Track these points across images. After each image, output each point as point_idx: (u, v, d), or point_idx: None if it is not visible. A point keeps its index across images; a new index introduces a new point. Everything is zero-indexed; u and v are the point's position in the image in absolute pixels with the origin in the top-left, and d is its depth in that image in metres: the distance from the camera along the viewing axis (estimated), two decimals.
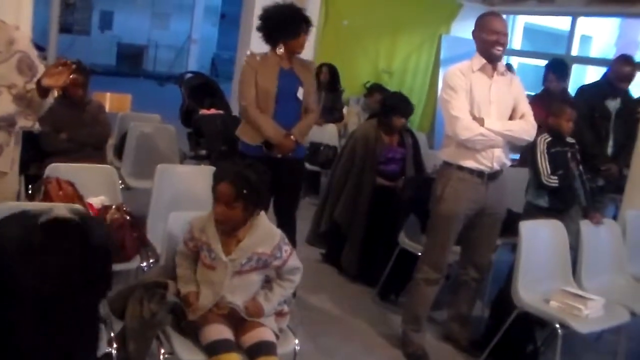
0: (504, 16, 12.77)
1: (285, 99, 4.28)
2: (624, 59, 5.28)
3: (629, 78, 5.17)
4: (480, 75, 3.77)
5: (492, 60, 3.78)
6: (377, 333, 4.32)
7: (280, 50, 4.28)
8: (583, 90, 5.61)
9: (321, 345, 4.04)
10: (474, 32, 3.84)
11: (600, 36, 16.29)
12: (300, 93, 4.34)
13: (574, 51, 11.85)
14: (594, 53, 15.49)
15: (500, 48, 3.75)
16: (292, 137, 4.26)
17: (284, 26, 4.27)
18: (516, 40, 13.50)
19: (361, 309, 4.66)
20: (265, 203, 2.91)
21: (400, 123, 5.11)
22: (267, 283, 2.95)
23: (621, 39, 15.83)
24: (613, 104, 5.16)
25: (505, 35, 3.77)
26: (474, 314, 4.38)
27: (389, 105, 5.23)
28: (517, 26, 13.53)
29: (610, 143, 5.17)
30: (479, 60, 3.78)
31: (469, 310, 4.26)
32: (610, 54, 15.06)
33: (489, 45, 3.73)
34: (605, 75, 5.37)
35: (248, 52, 4.46)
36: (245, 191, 2.75)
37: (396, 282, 4.69)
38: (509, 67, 10.95)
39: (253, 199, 2.79)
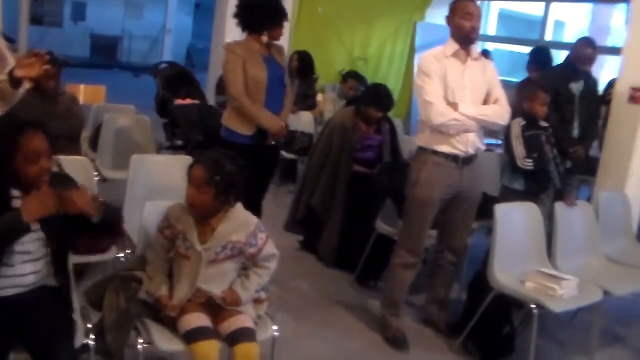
0: (478, 2, 12.92)
1: (273, 87, 4.31)
2: (585, 41, 5.31)
3: (591, 60, 5.21)
4: (453, 60, 3.78)
5: (466, 44, 3.80)
6: (356, 318, 4.35)
7: (265, 38, 4.30)
8: (546, 74, 5.64)
9: (300, 331, 4.06)
10: (447, 18, 3.86)
11: (573, 22, 16.42)
12: (285, 79, 4.39)
13: (548, 36, 11.95)
14: (567, 38, 15.61)
15: (476, 32, 3.78)
16: (283, 124, 4.34)
17: (270, 15, 4.29)
18: (491, 26, 13.58)
19: (340, 294, 4.68)
20: (238, 195, 2.88)
21: (377, 115, 5.11)
22: (244, 270, 2.95)
23: (593, 24, 15.95)
24: (576, 87, 5.20)
25: (479, 19, 3.80)
26: (451, 296, 4.43)
27: (368, 96, 5.25)
28: (492, 12, 13.61)
29: (576, 125, 5.21)
30: (453, 46, 3.80)
31: (447, 293, 4.30)
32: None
33: (464, 29, 3.75)
34: (567, 58, 5.40)
35: (228, 41, 4.42)
36: (217, 177, 2.76)
37: (374, 267, 4.72)
38: (486, 53, 11.05)
39: (224, 187, 2.78)
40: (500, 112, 3.85)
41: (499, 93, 3.90)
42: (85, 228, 2.58)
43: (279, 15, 4.31)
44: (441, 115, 3.67)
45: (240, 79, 4.19)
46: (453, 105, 3.71)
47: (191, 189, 2.80)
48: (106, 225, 2.66)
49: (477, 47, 3.98)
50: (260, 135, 4.27)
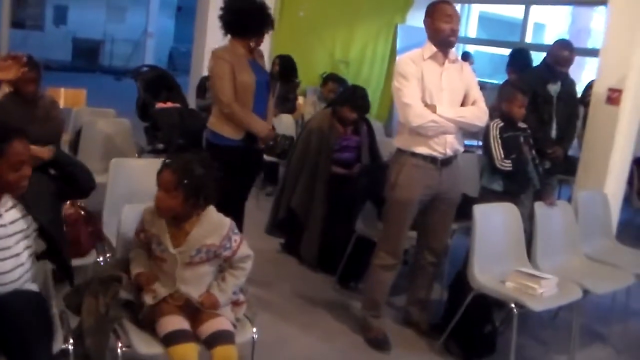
0: (459, 5, 13.02)
1: (260, 91, 4.33)
2: (562, 44, 5.35)
3: (568, 62, 5.25)
4: (431, 63, 3.80)
5: (446, 47, 3.82)
6: (337, 320, 4.36)
7: (252, 43, 4.30)
8: (523, 76, 5.68)
9: (282, 334, 4.06)
10: (425, 21, 3.87)
11: (553, 24, 16.55)
12: (270, 83, 4.43)
13: (528, 39, 12.03)
14: (547, 40, 15.72)
15: (454, 35, 3.80)
16: (270, 127, 4.38)
17: (262, 21, 4.30)
18: (471, 29, 13.65)
19: (321, 296, 4.69)
20: (209, 198, 2.87)
21: (351, 116, 5.13)
22: (220, 273, 2.96)
23: (573, 27, 16.10)
24: (554, 88, 5.24)
25: (458, 22, 3.82)
26: (433, 297, 4.45)
27: (343, 96, 5.28)
28: (472, 15, 13.68)
29: (554, 126, 5.25)
30: (430, 48, 3.81)
31: (428, 294, 4.31)
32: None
33: (443, 32, 3.77)
34: (544, 60, 5.45)
35: (214, 47, 4.37)
36: (185, 181, 2.76)
37: (355, 269, 4.72)
38: (467, 55, 11.11)
39: (193, 191, 2.77)
40: (477, 114, 3.88)
41: (477, 95, 3.92)
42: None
43: (269, 21, 4.33)
44: (419, 117, 3.69)
45: (230, 84, 4.18)
46: (431, 107, 3.72)
47: (160, 193, 2.81)
48: (67, 178, 2.88)
49: (455, 49, 3.99)
50: (250, 140, 4.28)
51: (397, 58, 3.89)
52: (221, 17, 4.33)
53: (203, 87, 7.50)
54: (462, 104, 3.90)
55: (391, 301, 4.44)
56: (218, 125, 4.30)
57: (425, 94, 3.75)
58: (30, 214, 2.71)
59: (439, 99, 3.77)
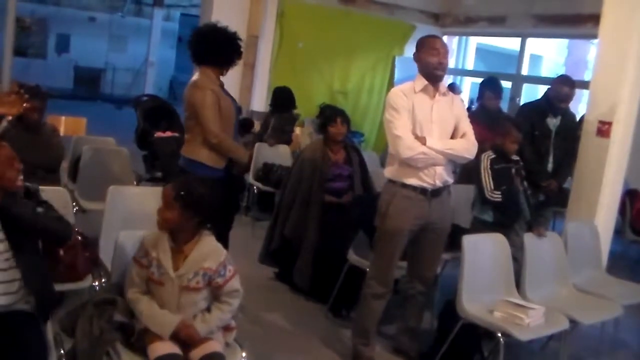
0: (457, 37, 13.20)
1: (236, 119, 4.48)
2: (563, 80, 5.48)
3: (567, 98, 5.37)
4: (422, 95, 3.89)
5: (434, 80, 3.91)
6: (328, 348, 4.40)
7: (225, 72, 4.43)
8: (524, 108, 5.80)
9: None
10: (415, 54, 3.98)
11: (550, 56, 16.73)
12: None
13: (524, 70, 12.19)
14: (544, 72, 15.89)
15: (442, 68, 3.89)
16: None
17: (233, 53, 4.40)
18: (469, 61, 13.81)
19: (313, 324, 4.74)
20: (206, 216, 3.00)
21: (338, 131, 5.23)
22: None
23: (570, 59, 16.27)
24: (553, 122, 5.35)
25: (446, 56, 3.91)
26: (423, 326, 4.49)
27: (321, 120, 5.41)
28: (470, 47, 13.85)
29: (550, 159, 5.36)
30: (421, 82, 3.91)
31: (418, 323, 4.36)
32: (560, 72, 15.47)
33: (431, 65, 3.87)
34: (545, 94, 5.57)
35: (198, 78, 4.41)
36: (182, 193, 2.92)
37: (347, 297, 4.77)
38: (453, 86, 11.25)
39: (190, 203, 2.92)
40: (466, 146, 3.95)
41: (466, 127, 4.00)
42: None
43: (239, 50, 4.44)
44: (409, 149, 3.77)
45: (217, 114, 4.26)
46: (421, 139, 3.80)
47: (161, 207, 2.97)
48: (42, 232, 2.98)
49: (445, 83, 4.09)
50: (231, 167, 4.39)
51: (390, 91, 3.98)
52: (191, 46, 4.39)
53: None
54: (452, 136, 3.98)
55: (382, 330, 4.48)
56: (199, 154, 4.31)
57: (415, 126, 3.84)
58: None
59: (429, 131, 3.85)
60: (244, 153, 4.43)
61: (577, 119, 5.83)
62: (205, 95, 4.25)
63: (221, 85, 4.44)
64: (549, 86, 5.60)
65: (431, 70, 3.87)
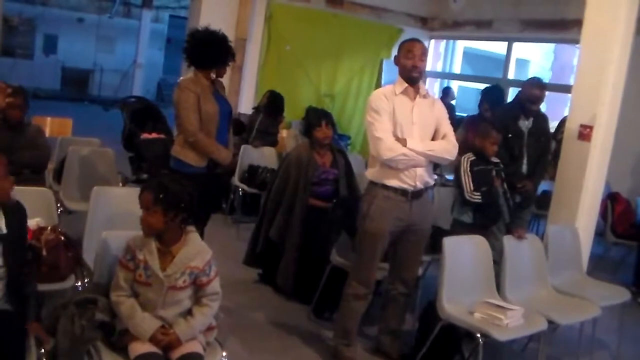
0: (444, 41, 13.27)
1: (223, 120, 4.55)
2: (533, 82, 5.53)
3: (538, 100, 5.43)
4: (402, 97, 3.95)
5: (411, 82, 3.97)
6: (311, 349, 4.43)
7: (213, 75, 4.54)
8: (497, 111, 5.86)
9: None
10: (395, 58, 4.06)
11: (536, 60, 16.84)
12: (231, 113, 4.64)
13: (510, 75, 12.28)
14: (530, 76, 15.96)
15: (417, 71, 3.95)
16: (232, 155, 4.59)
17: (223, 53, 4.54)
18: (456, 65, 13.90)
19: (296, 326, 4.77)
20: (189, 213, 3.04)
21: (324, 134, 5.26)
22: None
23: (556, 63, 16.39)
24: (525, 124, 5.41)
25: (422, 59, 3.96)
26: (405, 327, 4.54)
27: (306, 123, 5.45)
28: (457, 51, 13.93)
29: (524, 161, 5.41)
30: (401, 84, 3.96)
31: (399, 324, 4.40)
32: (547, 77, 15.60)
33: (407, 69, 3.94)
34: (516, 97, 5.64)
35: (182, 78, 4.59)
36: (162, 196, 2.95)
37: (330, 299, 4.79)
38: (448, 90, 11.31)
39: (171, 203, 2.96)
40: (447, 148, 4.00)
41: (447, 129, 4.05)
42: None
43: (229, 54, 4.58)
44: (390, 150, 3.82)
45: (196, 115, 4.39)
46: (402, 141, 3.85)
47: (143, 213, 2.99)
48: None
49: (425, 85, 4.14)
50: (213, 166, 4.50)
51: (371, 94, 4.03)
52: (185, 50, 4.56)
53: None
54: (433, 138, 4.03)
55: (364, 331, 4.52)
56: (183, 154, 4.48)
57: (396, 128, 3.89)
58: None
59: (410, 133, 3.90)
60: (226, 154, 4.51)
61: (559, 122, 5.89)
62: (184, 95, 4.41)
63: (216, 87, 4.58)
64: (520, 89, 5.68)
65: (407, 73, 3.94)
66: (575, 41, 5.48)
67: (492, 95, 6.47)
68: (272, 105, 8.20)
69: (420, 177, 3.96)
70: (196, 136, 4.39)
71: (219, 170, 4.58)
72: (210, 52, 4.50)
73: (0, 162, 2.90)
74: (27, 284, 3.01)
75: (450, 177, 7.19)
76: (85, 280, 3.73)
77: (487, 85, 7.04)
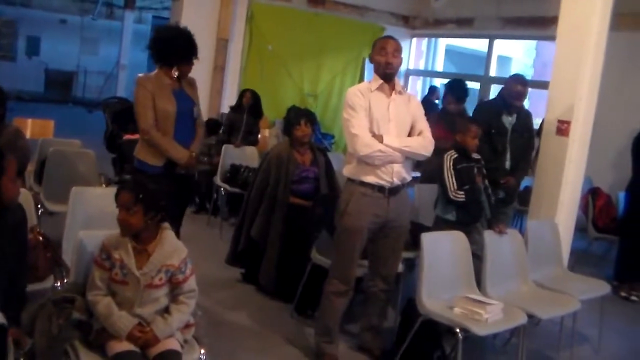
0: (426, 39, 13.32)
1: (183, 119, 4.48)
2: (516, 78, 5.57)
3: (521, 96, 5.47)
4: (378, 94, 3.96)
5: (385, 79, 3.99)
6: (293, 346, 4.44)
7: (176, 73, 4.47)
8: (480, 107, 5.89)
9: (236, 359, 4.16)
10: (370, 55, 4.08)
11: (518, 57, 16.93)
12: (195, 112, 4.56)
13: (492, 72, 12.34)
14: (513, 73, 16.03)
15: (390, 68, 3.97)
16: (193, 154, 4.49)
17: (179, 51, 4.46)
18: (438, 62, 13.95)
19: (278, 324, 4.78)
20: (165, 211, 3.05)
21: (303, 133, 5.27)
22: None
23: (538, 60, 16.47)
24: (509, 120, 5.45)
25: (395, 55, 3.97)
26: (387, 324, 4.57)
27: (286, 122, 5.48)
28: (439, 48, 13.98)
29: (508, 157, 5.44)
30: (377, 81, 3.98)
31: (380, 320, 4.42)
32: (529, 74, 15.68)
33: (380, 66, 3.96)
34: (499, 93, 5.67)
35: (140, 75, 4.54)
36: (141, 195, 2.96)
37: (312, 296, 4.80)
38: (434, 89, 11.34)
39: (151, 203, 2.98)
40: (423, 144, 4.02)
41: (423, 125, 4.07)
42: None
43: (191, 52, 4.50)
44: (366, 146, 3.82)
45: (151, 112, 4.34)
46: (378, 137, 3.86)
47: (122, 213, 2.99)
48: None
49: (401, 81, 4.15)
50: (171, 166, 4.42)
51: (347, 91, 4.04)
52: (148, 47, 4.53)
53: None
54: (409, 134, 4.04)
55: (345, 328, 4.54)
56: (141, 153, 4.46)
57: (373, 124, 3.90)
58: None
59: (386, 129, 3.91)
60: (182, 154, 4.42)
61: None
62: (137, 91, 4.40)
63: (180, 85, 4.51)
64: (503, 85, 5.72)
65: (381, 69, 3.96)
66: (555, 38, 5.50)
67: (456, 88, 6.47)
68: (256, 104, 8.25)
69: (398, 173, 3.97)
70: (149, 134, 4.34)
71: (181, 171, 4.47)
72: (170, 48, 4.44)
73: (11, 164, 2.89)
74: (16, 285, 3.00)
75: None
76: (65, 281, 3.71)
77: (449, 80, 7.06)
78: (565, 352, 4.76)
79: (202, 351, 3.09)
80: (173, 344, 2.92)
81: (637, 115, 6.51)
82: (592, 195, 7.25)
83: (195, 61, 4.60)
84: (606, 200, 7.33)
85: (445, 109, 6.40)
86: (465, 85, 6.60)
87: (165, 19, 18.06)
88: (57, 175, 5.64)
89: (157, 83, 4.41)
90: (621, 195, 7.15)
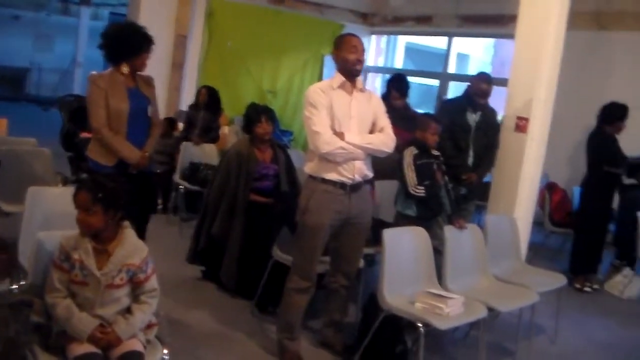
0: (385, 36, 13.39)
1: (136, 118, 4.41)
2: (481, 77, 5.66)
3: (485, 94, 5.55)
4: (340, 92, 3.96)
5: (352, 76, 3.99)
6: (254, 344, 4.43)
7: (125, 69, 4.40)
8: (445, 104, 5.96)
9: (199, 359, 4.12)
10: (333, 53, 4.06)
11: (477, 55, 17.10)
12: (150, 111, 4.50)
13: (451, 69, 12.46)
14: (471, 70, 16.22)
15: (361, 64, 3.99)
16: (146, 154, 4.43)
17: (125, 46, 4.39)
18: (398, 59, 14.03)
19: (239, 321, 4.76)
20: (125, 209, 3.01)
21: (264, 130, 5.26)
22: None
23: (496, 58, 16.65)
24: (473, 117, 5.52)
25: (363, 53, 4.00)
26: (349, 320, 4.59)
27: (246, 119, 5.45)
28: (399, 46, 14.07)
29: (471, 153, 5.51)
30: (339, 78, 3.98)
31: (342, 316, 4.44)
32: (487, 71, 15.82)
33: (349, 62, 3.95)
34: (465, 91, 5.73)
35: (93, 73, 4.47)
36: (100, 195, 2.90)
37: (273, 293, 4.79)
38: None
39: (110, 201, 2.92)
40: (385, 141, 4.03)
41: (385, 122, 4.09)
42: None
43: (135, 47, 4.40)
44: (327, 144, 3.83)
45: (102, 111, 4.27)
46: (339, 135, 3.86)
47: (81, 214, 2.92)
48: None
49: (362, 79, 4.16)
50: (123, 166, 4.35)
51: (308, 88, 4.04)
52: (99, 46, 4.46)
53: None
54: (371, 132, 4.06)
55: (307, 324, 4.55)
56: (93, 152, 4.39)
57: (334, 122, 3.90)
58: None
59: (347, 127, 3.92)
60: (133, 153, 4.36)
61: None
62: (89, 89, 4.34)
63: (135, 83, 4.44)
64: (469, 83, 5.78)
65: (350, 66, 3.95)
66: (513, 36, 5.58)
67: (399, 83, 6.47)
68: (213, 101, 8.20)
69: (359, 170, 3.98)
70: (100, 132, 4.28)
71: (133, 171, 4.39)
72: (117, 43, 4.39)
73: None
74: None
75: None
76: (21, 283, 3.65)
77: (390, 75, 7.05)
78: (523, 343, 4.83)
79: (165, 351, 3.06)
80: (135, 345, 2.88)
81: (592, 113, 6.62)
82: (548, 190, 7.39)
83: (153, 58, 4.52)
84: (562, 195, 7.48)
85: (392, 104, 6.41)
86: (407, 78, 6.57)
87: (123, 15, 17.82)
88: (12, 174, 5.51)
89: (111, 81, 4.33)
90: (576, 190, 7.30)
